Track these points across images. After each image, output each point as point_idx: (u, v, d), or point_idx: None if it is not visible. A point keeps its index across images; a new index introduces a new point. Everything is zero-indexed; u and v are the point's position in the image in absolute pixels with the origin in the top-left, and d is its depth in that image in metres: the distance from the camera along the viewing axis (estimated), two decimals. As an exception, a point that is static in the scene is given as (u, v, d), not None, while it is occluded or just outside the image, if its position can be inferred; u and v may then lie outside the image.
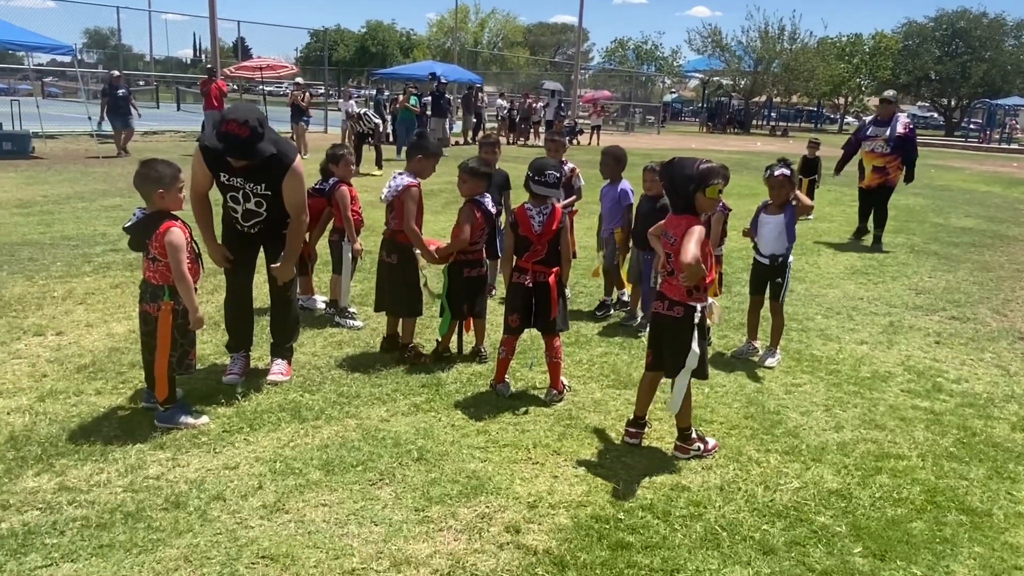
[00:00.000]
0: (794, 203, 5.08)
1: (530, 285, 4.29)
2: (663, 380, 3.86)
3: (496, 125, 25.88)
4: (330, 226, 5.74)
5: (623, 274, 6.17)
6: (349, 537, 2.98)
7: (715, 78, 53.55)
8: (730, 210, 5.51)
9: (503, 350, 4.44)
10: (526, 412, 4.21)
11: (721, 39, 49.23)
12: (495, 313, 5.46)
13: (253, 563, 2.80)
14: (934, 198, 15.23)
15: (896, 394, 4.78)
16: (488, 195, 4.86)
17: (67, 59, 22.87)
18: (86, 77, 24.20)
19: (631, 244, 5.85)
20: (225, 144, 3.83)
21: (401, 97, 19.68)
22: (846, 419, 4.35)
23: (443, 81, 21.23)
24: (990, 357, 5.59)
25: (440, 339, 4.95)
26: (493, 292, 6.13)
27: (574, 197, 6.35)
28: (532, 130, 25.87)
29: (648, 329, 4.05)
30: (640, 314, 5.82)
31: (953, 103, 57.93)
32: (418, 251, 4.75)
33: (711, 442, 3.85)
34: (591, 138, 26.58)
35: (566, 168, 6.07)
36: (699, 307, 3.60)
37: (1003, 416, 4.52)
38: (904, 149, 9.43)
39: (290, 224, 4.27)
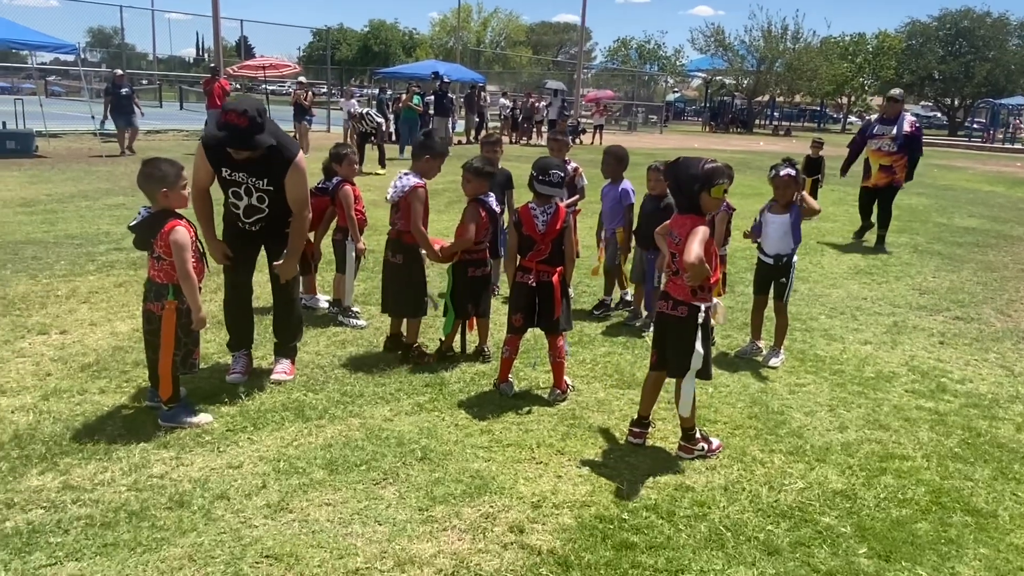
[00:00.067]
0: (801, 204, 5.06)
1: (534, 284, 4.29)
2: (667, 380, 3.86)
3: (499, 124, 25.88)
4: (333, 225, 5.75)
5: (626, 274, 6.16)
6: (353, 536, 2.98)
7: (718, 77, 53.53)
8: (734, 209, 5.50)
9: (506, 349, 4.44)
10: (529, 412, 4.21)
11: (724, 38, 49.25)
12: (498, 312, 5.46)
13: (257, 562, 2.80)
14: (937, 198, 15.21)
15: (900, 394, 4.77)
16: (492, 194, 4.87)
17: (70, 58, 22.97)
18: (89, 76, 24.21)
19: (634, 244, 5.85)
20: (224, 134, 3.84)
21: (404, 96, 19.69)
22: (850, 419, 4.34)
23: (446, 80, 21.22)
24: (994, 357, 5.58)
25: (443, 338, 4.95)
26: (496, 291, 6.13)
27: (577, 196, 6.34)
28: (535, 129, 25.88)
29: (652, 329, 4.04)
30: (644, 313, 5.82)
31: (956, 103, 57.84)
32: (424, 251, 4.75)
33: (715, 442, 3.85)
34: (594, 137, 26.57)
35: (569, 167, 6.07)
36: (703, 307, 3.59)
37: (1008, 417, 4.51)
38: (910, 148, 9.41)
39: (293, 221, 4.27)
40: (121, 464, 3.42)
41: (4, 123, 15.74)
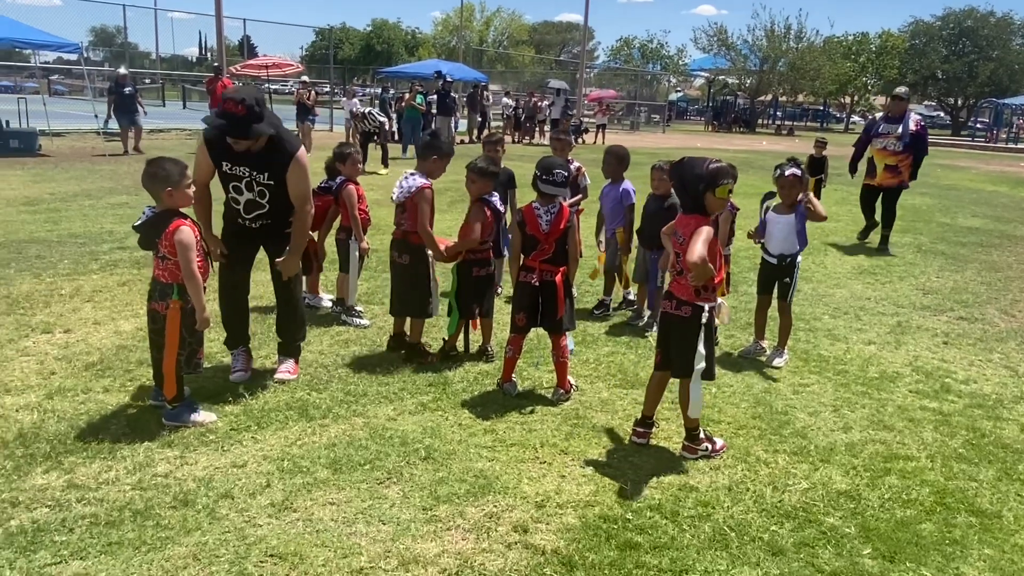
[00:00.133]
0: (807, 205, 5.04)
1: (537, 284, 4.29)
2: (671, 380, 3.86)
3: (501, 124, 25.89)
4: (337, 224, 5.75)
5: (628, 274, 6.16)
6: (357, 536, 2.98)
7: (721, 77, 53.53)
8: (738, 209, 5.49)
9: (510, 349, 4.44)
10: (533, 411, 4.21)
11: (727, 38, 49.23)
12: (502, 312, 5.46)
13: (261, 561, 2.80)
14: (941, 198, 15.18)
15: (904, 395, 4.76)
16: (495, 194, 4.86)
17: (73, 57, 22.99)
18: (92, 75, 24.25)
19: (636, 244, 5.84)
20: (223, 122, 3.85)
21: (407, 95, 19.69)
22: (854, 420, 4.34)
23: (449, 80, 21.20)
24: (999, 358, 5.57)
25: (447, 338, 4.95)
26: (499, 291, 6.13)
27: (580, 196, 6.34)
28: (537, 129, 25.88)
29: (656, 329, 4.04)
30: (647, 313, 5.81)
31: (960, 102, 57.70)
32: (430, 252, 4.74)
33: (719, 442, 3.84)
34: (596, 137, 26.59)
35: (572, 167, 6.06)
36: (707, 307, 3.59)
37: (1012, 417, 4.50)
38: (916, 147, 9.37)
39: (295, 216, 4.25)
40: (125, 463, 3.42)
41: (8, 122, 15.76)
